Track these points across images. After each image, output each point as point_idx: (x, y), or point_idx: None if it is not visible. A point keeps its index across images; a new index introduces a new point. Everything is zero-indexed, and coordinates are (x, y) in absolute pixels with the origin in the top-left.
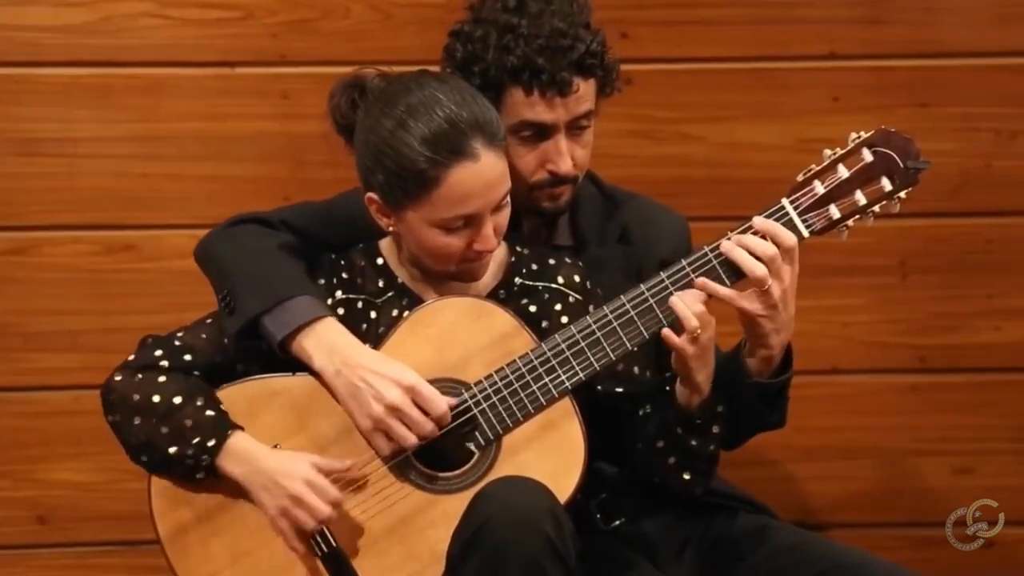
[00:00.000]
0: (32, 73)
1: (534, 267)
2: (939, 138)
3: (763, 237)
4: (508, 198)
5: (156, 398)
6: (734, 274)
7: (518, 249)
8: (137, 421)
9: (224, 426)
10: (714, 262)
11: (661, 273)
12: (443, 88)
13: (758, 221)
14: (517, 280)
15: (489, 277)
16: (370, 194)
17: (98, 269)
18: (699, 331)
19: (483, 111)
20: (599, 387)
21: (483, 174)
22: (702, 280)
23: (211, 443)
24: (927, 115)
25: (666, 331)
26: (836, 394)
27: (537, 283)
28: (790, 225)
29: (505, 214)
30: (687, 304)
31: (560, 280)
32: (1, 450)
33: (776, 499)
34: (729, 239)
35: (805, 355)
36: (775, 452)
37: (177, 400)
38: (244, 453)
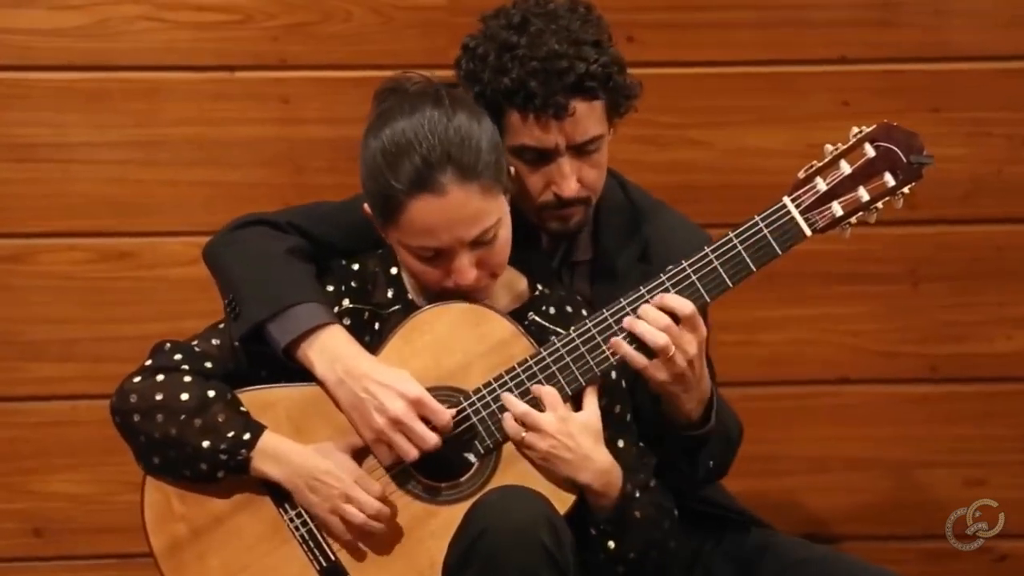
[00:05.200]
0: (25, 77)
1: (551, 311)
2: (950, 143)
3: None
4: (497, 233)
5: (185, 396)
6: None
7: (539, 287)
8: (160, 418)
9: (256, 423)
10: (615, 327)
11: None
12: (434, 114)
13: (655, 298)
14: (531, 315)
15: (502, 306)
16: (365, 205)
17: (93, 277)
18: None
19: (468, 145)
20: None
21: (447, 210)
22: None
23: (246, 436)
24: (938, 120)
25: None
26: (844, 404)
27: (550, 325)
28: (793, 224)
29: (496, 250)
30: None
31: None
32: None
33: (783, 511)
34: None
35: (813, 364)
36: (783, 463)
37: (211, 394)
38: (279, 452)
